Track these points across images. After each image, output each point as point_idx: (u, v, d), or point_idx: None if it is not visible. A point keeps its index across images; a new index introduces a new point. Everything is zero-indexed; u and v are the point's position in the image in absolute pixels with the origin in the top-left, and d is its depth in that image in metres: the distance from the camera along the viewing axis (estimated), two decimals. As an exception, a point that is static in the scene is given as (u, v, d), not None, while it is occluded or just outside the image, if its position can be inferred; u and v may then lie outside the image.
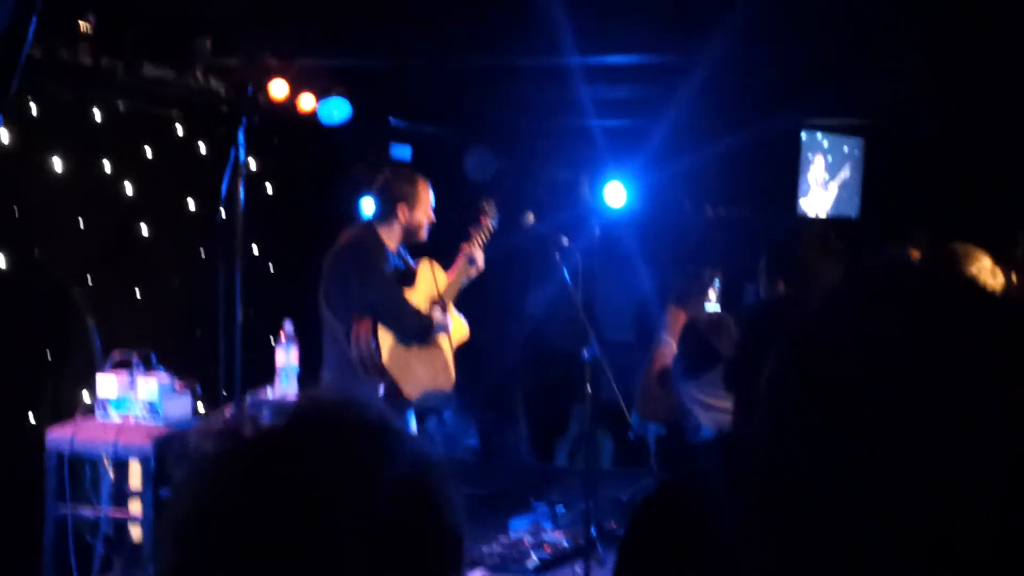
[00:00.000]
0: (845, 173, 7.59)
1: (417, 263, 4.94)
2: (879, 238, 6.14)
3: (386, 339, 4.68)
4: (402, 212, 4.84)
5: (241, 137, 4.61)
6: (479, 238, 5.08)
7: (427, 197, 4.91)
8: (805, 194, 7.34)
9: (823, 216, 7.30)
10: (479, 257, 5.04)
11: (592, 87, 6.36)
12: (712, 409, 3.79)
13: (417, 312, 4.76)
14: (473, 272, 5.06)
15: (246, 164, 4.86)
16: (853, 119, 7.38)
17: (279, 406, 1.01)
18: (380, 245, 4.82)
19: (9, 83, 3.77)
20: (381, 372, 4.63)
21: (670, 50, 5.96)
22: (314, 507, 0.92)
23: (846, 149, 7.56)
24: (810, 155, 7.34)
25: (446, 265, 5.07)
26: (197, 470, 0.98)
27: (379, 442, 0.98)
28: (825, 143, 7.46)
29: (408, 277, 4.85)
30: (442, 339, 4.91)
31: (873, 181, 7.49)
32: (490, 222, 5.15)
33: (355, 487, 0.94)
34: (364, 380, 4.65)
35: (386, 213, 4.87)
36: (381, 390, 4.61)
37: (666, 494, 1.63)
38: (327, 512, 0.92)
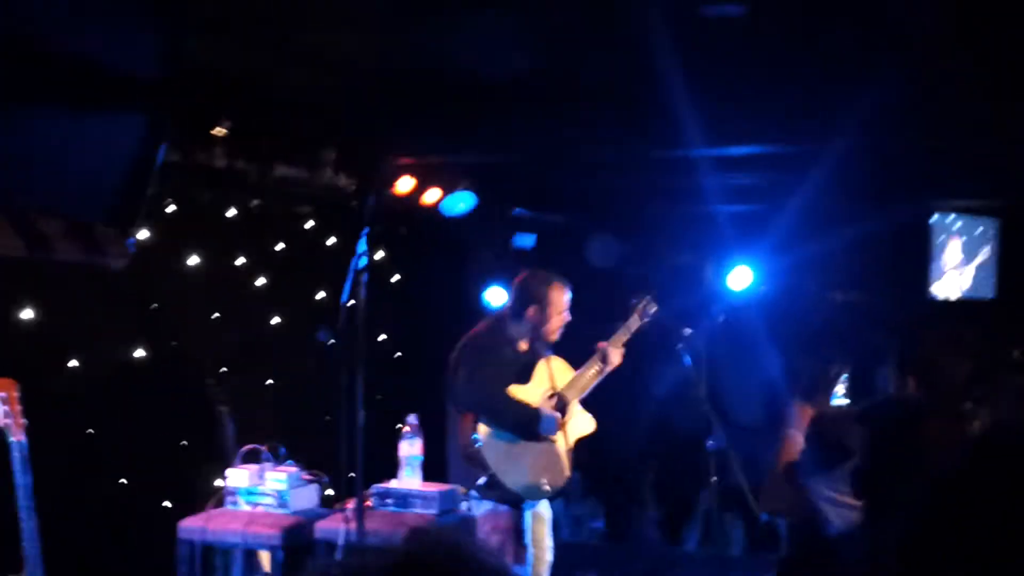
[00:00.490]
0: (983, 255, 7.35)
1: (539, 359, 4.96)
2: (1015, 320, 5.90)
3: (490, 433, 4.78)
4: (532, 313, 4.90)
5: (364, 239, 4.75)
6: (622, 336, 5.05)
7: (561, 300, 4.96)
8: (939, 278, 7.13)
9: (954, 299, 7.07)
10: (615, 356, 5.01)
11: (718, 174, 6.34)
12: (840, 506, 3.67)
13: (521, 408, 4.79)
14: (608, 368, 5.03)
15: (370, 259, 4.98)
16: (987, 200, 7.16)
17: (384, 548, 1.06)
18: (503, 339, 4.89)
19: (140, 204, 3.99)
20: (481, 464, 4.68)
21: (796, 140, 5.91)
22: None
23: (981, 230, 7.34)
24: (943, 238, 7.13)
25: (578, 359, 5.07)
26: None
27: None
28: (958, 225, 7.25)
29: (525, 373, 4.88)
30: (555, 436, 4.90)
31: (1011, 261, 7.24)
32: (640, 320, 5.11)
33: None
34: (472, 471, 4.78)
35: (517, 312, 4.95)
36: (482, 480, 4.69)
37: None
38: None
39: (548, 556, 5.09)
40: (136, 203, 4.99)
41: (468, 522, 4.78)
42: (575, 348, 5.14)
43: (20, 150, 3.96)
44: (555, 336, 4.98)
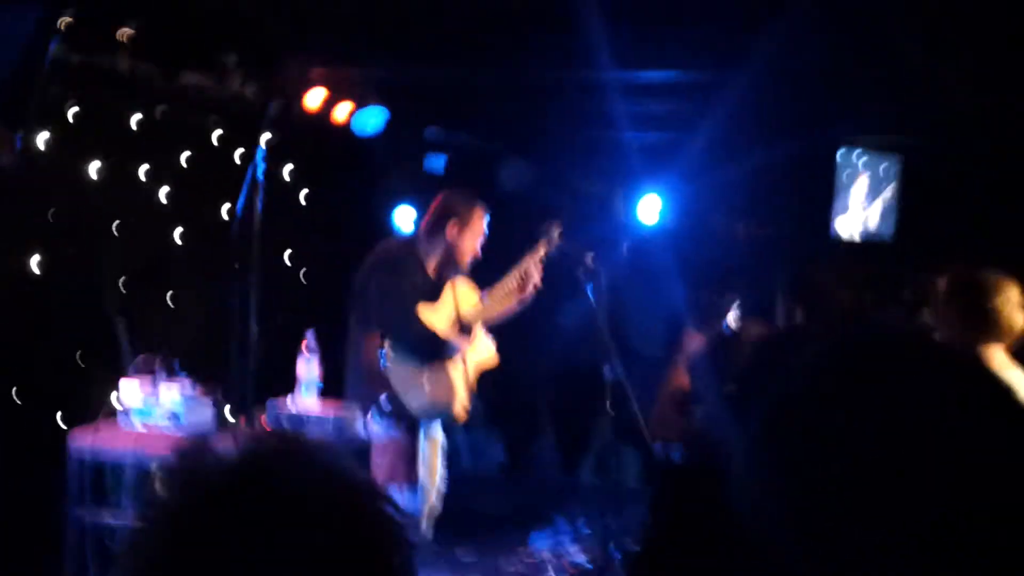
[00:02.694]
0: (886, 194, 7.48)
1: (446, 282, 4.94)
2: (909, 262, 6.04)
3: (396, 355, 4.75)
4: (451, 230, 4.86)
5: (262, 149, 4.66)
6: (531, 264, 5.02)
7: (480, 224, 4.92)
8: (843, 213, 7.25)
9: (856, 238, 7.20)
10: (530, 284, 4.99)
11: (629, 101, 6.35)
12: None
13: (429, 335, 4.78)
14: (518, 298, 5.02)
15: (270, 173, 4.90)
16: (892, 136, 7.27)
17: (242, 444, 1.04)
18: (413, 261, 4.86)
19: (28, 100, 3.86)
20: (383, 384, 4.68)
21: (707, 67, 5.93)
22: (262, 562, 0.95)
23: (885, 166, 7.45)
24: (848, 172, 7.23)
25: (485, 284, 5.07)
26: (153, 518, 1.02)
27: (333, 496, 1.00)
28: (862, 161, 7.36)
29: (432, 295, 4.87)
30: (455, 361, 4.91)
31: (911, 202, 7.37)
32: (549, 249, 5.07)
33: (303, 547, 0.96)
34: (370, 390, 4.73)
35: (434, 229, 4.90)
36: (384, 401, 4.69)
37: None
38: (273, 570, 0.95)
39: (439, 484, 5.08)
40: (24, 99, 4.83)
41: (356, 444, 4.77)
42: (484, 273, 5.14)
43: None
44: (467, 260, 4.95)
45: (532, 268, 4.99)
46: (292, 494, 0.98)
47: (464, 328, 4.95)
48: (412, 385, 4.79)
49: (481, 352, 5.05)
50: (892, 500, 0.97)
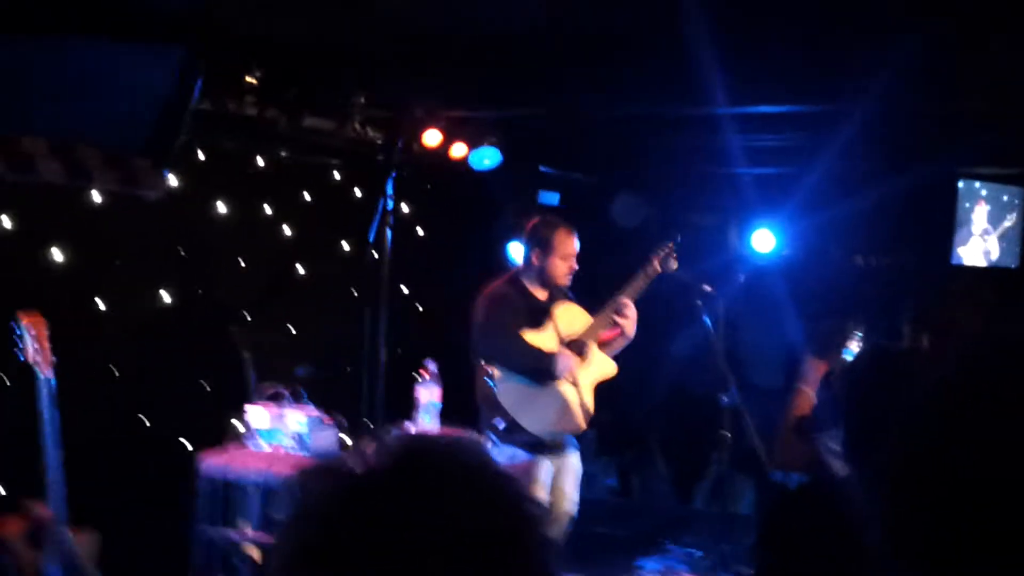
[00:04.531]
0: (1008, 222, 7.31)
1: (555, 306, 5.02)
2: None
3: (506, 378, 4.84)
4: (536, 256, 4.99)
5: (390, 185, 4.81)
6: (639, 284, 5.07)
7: (566, 244, 5.00)
8: (964, 243, 7.10)
9: (982, 266, 7.04)
10: (630, 315, 5.03)
11: (743, 135, 6.33)
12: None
13: (534, 353, 4.86)
14: (623, 320, 5.05)
15: (395, 209, 5.05)
16: (1014, 168, 7.11)
17: (383, 443, 1.05)
18: (518, 292, 4.96)
19: (175, 138, 4.06)
20: (499, 409, 4.79)
21: (822, 100, 5.89)
22: (409, 551, 0.96)
23: (1006, 198, 7.29)
24: (968, 204, 7.09)
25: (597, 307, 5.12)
26: (301, 510, 1.03)
27: (477, 488, 1.02)
28: (984, 192, 7.21)
29: (539, 319, 4.94)
30: (567, 380, 4.96)
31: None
32: (659, 269, 5.11)
33: (449, 533, 0.97)
34: (486, 415, 4.87)
35: (526, 258, 5.09)
36: (501, 424, 4.75)
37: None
38: (420, 557, 0.96)
39: (570, 508, 5.12)
40: (170, 138, 5.07)
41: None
42: (599, 302, 5.18)
43: (60, 80, 4.04)
44: (563, 280, 5.04)
45: (628, 297, 5.03)
46: (439, 485, 1.00)
47: (576, 348, 4.99)
48: (525, 406, 4.86)
49: (596, 369, 5.08)
50: None
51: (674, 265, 5.16)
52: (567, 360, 4.92)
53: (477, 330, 4.93)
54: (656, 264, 5.09)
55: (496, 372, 4.84)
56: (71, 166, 4.26)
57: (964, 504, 0.96)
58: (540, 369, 4.87)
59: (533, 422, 4.87)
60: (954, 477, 0.98)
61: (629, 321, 5.05)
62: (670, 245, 5.15)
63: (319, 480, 1.03)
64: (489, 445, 4.84)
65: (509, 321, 4.90)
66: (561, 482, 5.06)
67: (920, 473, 1.01)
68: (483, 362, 4.90)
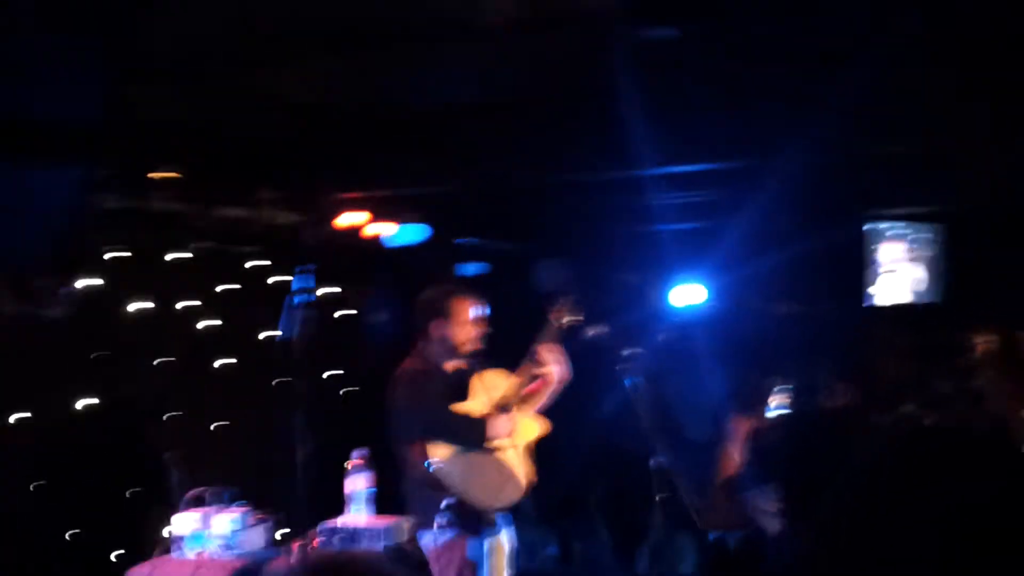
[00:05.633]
0: (928, 259, 7.44)
1: (472, 374, 4.97)
2: (956, 324, 5.97)
3: (444, 455, 4.76)
4: (434, 328, 4.93)
5: (297, 273, 4.76)
6: (548, 337, 5.06)
7: (462, 310, 4.97)
8: (874, 282, 7.22)
9: (897, 303, 7.15)
10: (550, 359, 5.01)
11: (665, 193, 6.39)
12: (779, 516, 3.71)
13: (467, 421, 4.82)
14: (544, 371, 5.03)
15: (314, 292, 5.01)
16: (931, 207, 7.27)
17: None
18: (430, 364, 4.90)
19: (79, 251, 4.00)
20: (439, 488, 4.70)
21: (739, 157, 5.96)
22: None
23: (926, 235, 7.45)
24: (874, 245, 7.23)
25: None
26: None
27: None
28: (896, 229, 7.35)
29: (461, 391, 4.90)
30: (505, 444, 4.92)
31: (959, 266, 7.33)
32: (561, 320, 5.10)
33: None
34: (434, 498, 4.74)
35: (423, 332, 5.00)
36: (446, 502, 4.67)
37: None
38: None
39: None
40: (74, 252, 5.01)
41: (413, 554, 4.74)
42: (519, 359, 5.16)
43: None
44: (470, 347, 5.00)
45: (545, 350, 5.01)
46: None
47: (504, 411, 4.96)
48: (474, 477, 4.79)
49: (528, 429, 5.05)
50: None
51: (579, 316, 5.15)
52: (503, 420, 4.88)
53: (400, 415, 4.83)
54: (554, 319, 5.08)
55: (434, 452, 4.76)
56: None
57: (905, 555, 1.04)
58: (478, 435, 4.81)
59: (482, 492, 4.80)
60: (893, 532, 1.05)
61: (551, 366, 5.03)
62: (563, 300, 5.13)
63: None
64: (433, 531, 4.76)
65: (431, 395, 4.83)
66: (496, 562, 4.99)
67: (861, 529, 1.07)
68: (412, 447, 4.81)
